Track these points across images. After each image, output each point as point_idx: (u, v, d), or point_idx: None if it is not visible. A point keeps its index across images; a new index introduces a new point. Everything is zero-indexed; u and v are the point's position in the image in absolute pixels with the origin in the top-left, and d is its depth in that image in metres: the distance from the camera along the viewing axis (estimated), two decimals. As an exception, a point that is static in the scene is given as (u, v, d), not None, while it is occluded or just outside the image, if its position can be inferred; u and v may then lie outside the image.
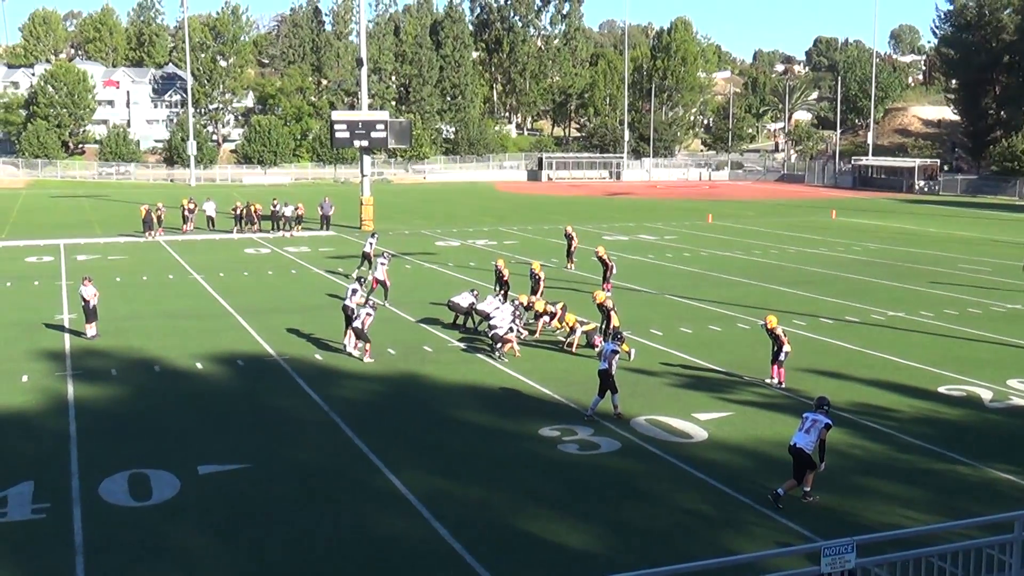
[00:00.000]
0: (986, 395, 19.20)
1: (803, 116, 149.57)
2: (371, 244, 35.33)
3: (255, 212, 50.75)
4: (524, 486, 14.39)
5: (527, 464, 15.33)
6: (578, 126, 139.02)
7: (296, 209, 50.07)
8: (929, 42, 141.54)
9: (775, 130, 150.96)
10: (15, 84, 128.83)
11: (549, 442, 16.32)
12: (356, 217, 52.94)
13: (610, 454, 15.81)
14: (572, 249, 37.40)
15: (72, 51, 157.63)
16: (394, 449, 15.97)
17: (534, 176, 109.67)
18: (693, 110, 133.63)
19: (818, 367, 21.31)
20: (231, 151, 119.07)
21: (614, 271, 31.99)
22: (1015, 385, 19.89)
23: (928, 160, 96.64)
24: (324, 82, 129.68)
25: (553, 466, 15.27)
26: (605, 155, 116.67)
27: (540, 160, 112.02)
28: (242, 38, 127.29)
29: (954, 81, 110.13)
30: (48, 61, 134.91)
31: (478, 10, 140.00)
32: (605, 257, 32.05)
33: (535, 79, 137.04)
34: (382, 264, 29.79)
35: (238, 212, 50.74)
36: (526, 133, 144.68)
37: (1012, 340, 24.15)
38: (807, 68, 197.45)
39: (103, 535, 12.60)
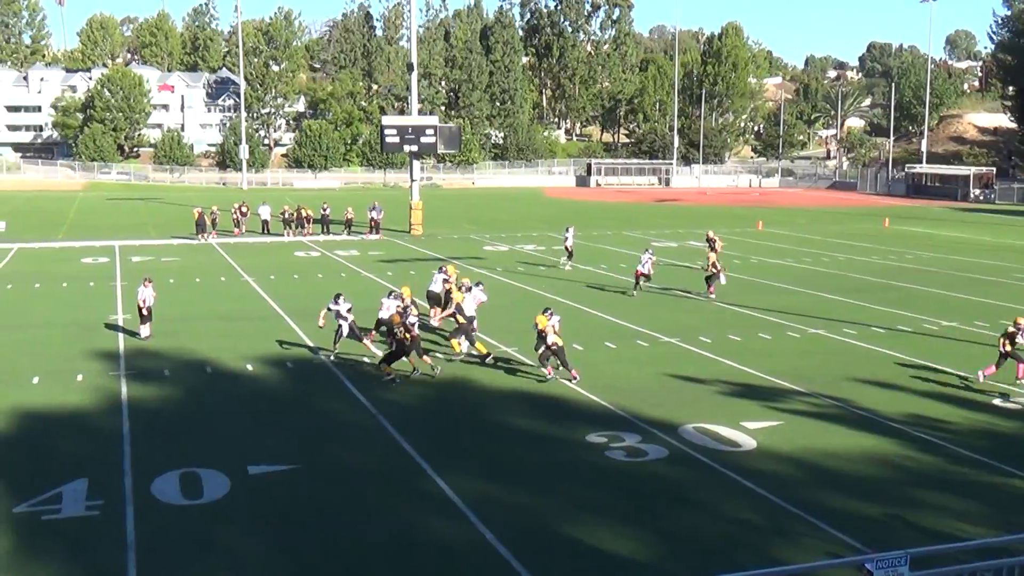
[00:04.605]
0: (1043, 408, 18.83)
1: (855, 123, 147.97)
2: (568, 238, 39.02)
3: (306, 216, 51.26)
4: (571, 492, 14.36)
5: (574, 470, 15.30)
6: (627, 132, 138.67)
7: (346, 213, 50.51)
8: (986, 48, 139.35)
9: (827, 137, 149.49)
10: (73, 88, 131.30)
11: (596, 448, 16.27)
12: (405, 222, 53.25)
13: (657, 461, 15.73)
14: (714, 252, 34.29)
15: (128, 55, 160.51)
16: (441, 453, 16.02)
17: (583, 182, 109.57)
18: (743, 116, 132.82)
19: (869, 377, 21.03)
20: (282, 155, 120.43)
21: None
22: (1073, 398, 19.48)
23: (984, 168, 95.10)
24: (375, 87, 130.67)
25: (600, 473, 15.22)
26: (654, 161, 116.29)
27: (589, 166, 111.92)
28: (294, 43, 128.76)
29: (1011, 88, 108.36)
30: (105, 65, 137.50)
31: (528, 15, 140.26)
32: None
33: (584, 84, 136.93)
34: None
35: (287, 216, 51.26)
36: (575, 139, 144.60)
37: (1070, 352, 23.63)
38: (860, 74, 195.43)
39: (154, 532, 12.78)
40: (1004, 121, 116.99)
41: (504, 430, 17.45)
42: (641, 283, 32.06)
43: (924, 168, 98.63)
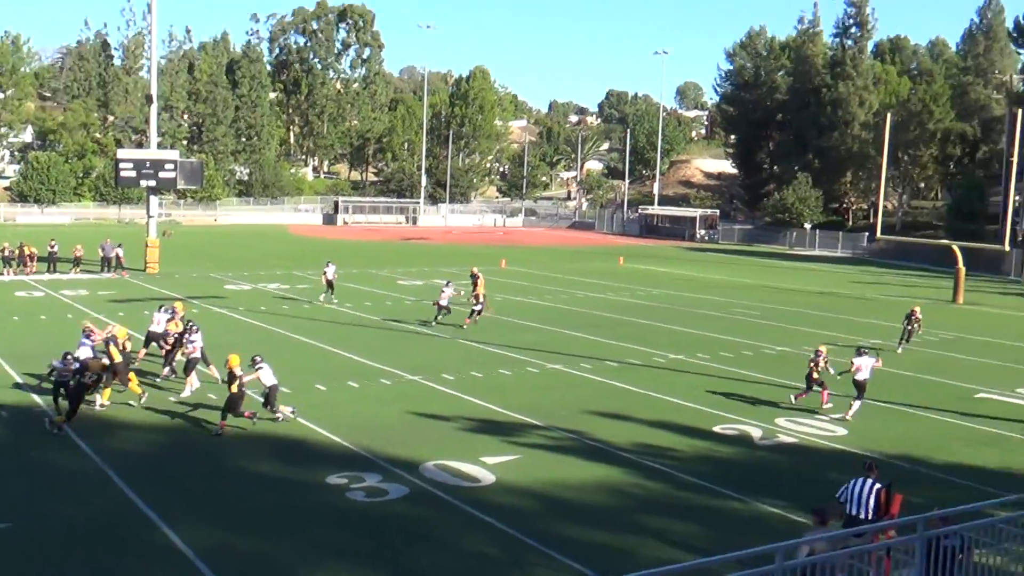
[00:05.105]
0: (756, 433, 20.27)
1: (595, 165, 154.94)
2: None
3: (29, 254, 47.94)
4: (310, 536, 14.08)
5: (313, 513, 15.02)
6: (376, 171, 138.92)
7: (75, 251, 47.58)
8: (711, 99, 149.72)
9: (568, 179, 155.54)
10: None
11: (337, 490, 16.05)
12: (141, 259, 50.83)
13: (398, 500, 15.70)
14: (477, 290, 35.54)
15: None
16: (172, 502, 15.30)
17: (330, 220, 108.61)
18: (489, 157, 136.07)
19: (603, 409, 21.91)
20: (4, 188, 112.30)
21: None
22: (782, 423, 21.09)
23: (709, 210, 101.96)
24: (111, 118, 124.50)
25: (341, 514, 15.03)
26: (402, 200, 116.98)
27: (336, 204, 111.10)
28: (22, 69, 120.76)
29: (733, 136, 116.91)
30: None
31: (277, 51, 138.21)
32: None
33: (333, 122, 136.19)
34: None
35: (7, 253, 47.78)
36: (323, 176, 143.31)
37: (780, 380, 25.62)
38: (599, 120, 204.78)
39: None
40: (727, 167, 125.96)
41: (240, 475, 16.91)
42: (440, 315, 33.40)
43: (656, 209, 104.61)
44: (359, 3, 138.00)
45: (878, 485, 12.73)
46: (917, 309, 32.38)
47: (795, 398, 22.58)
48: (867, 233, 76.61)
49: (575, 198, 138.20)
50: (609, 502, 15.95)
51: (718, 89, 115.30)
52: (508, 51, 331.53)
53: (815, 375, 22.16)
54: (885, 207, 77.77)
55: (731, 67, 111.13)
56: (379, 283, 46.85)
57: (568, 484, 16.65)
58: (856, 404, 21.77)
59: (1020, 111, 53.03)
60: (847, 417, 21.49)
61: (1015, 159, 55.95)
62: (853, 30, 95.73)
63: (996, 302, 47.93)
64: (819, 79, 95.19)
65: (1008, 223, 48.49)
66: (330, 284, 39.29)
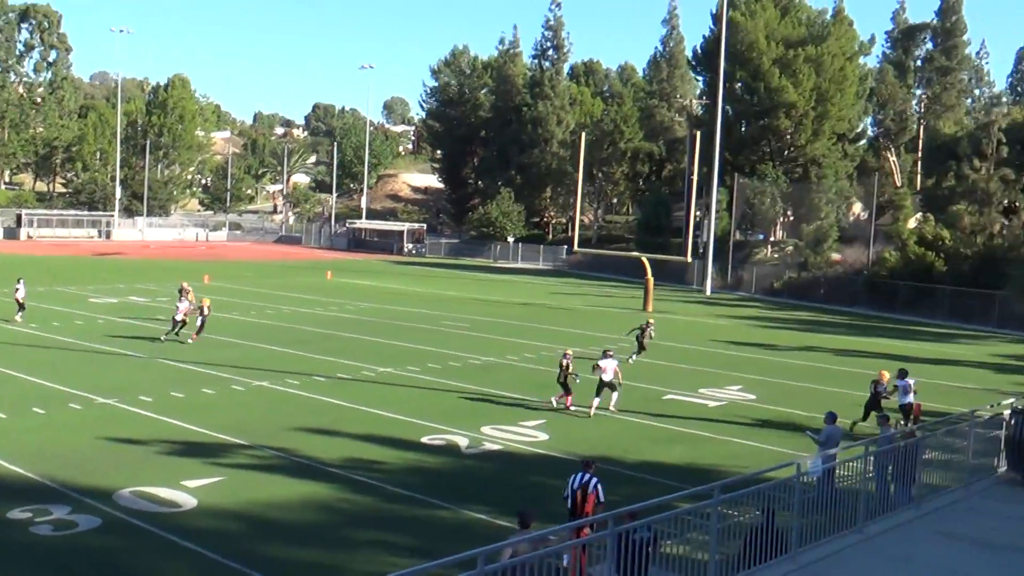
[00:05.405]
0: (463, 442, 20.69)
1: (302, 179, 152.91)
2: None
3: None
4: (-14, 577, 12.94)
5: (-9, 552, 13.80)
6: (64, 181, 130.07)
7: None
8: (418, 114, 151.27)
9: (274, 192, 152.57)
10: None
11: (19, 525, 14.84)
12: None
13: (89, 532, 14.72)
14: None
15: None
16: None
17: (11, 234, 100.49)
18: (191, 168, 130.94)
19: (310, 425, 21.61)
20: None
21: None
22: (488, 431, 21.66)
23: (416, 224, 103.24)
24: None
25: (25, 550, 13.90)
26: (94, 213, 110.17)
27: (19, 217, 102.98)
28: None
29: (439, 151, 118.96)
30: None
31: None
32: None
33: (15, 129, 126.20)
34: None
35: None
36: (4, 188, 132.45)
37: (486, 389, 26.33)
38: (306, 132, 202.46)
39: None
40: (434, 181, 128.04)
41: (-95, 516, 15.26)
42: (178, 330, 32.65)
43: (364, 223, 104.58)
44: (43, 3, 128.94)
45: (594, 480, 13.38)
46: (652, 320, 34.84)
47: (556, 400, 24.20)
48: (566, 246, 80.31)
49: (282, 212, 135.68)
50: (317, 519, 15.74)
51: (424, 105, 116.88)
52: (210, 60, 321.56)
53: (568, 377, 23.91)
54: (582, 221, 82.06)
55: (436, 84, 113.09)
56: (68, 301, 43.85)
57: (275, 503, 16.28)
58: (614, 395, 23.94)
59: (699, 133, 57.70)
60: (610, 408, 23.70)
61: (695, 177, 60.75)
62: (550, 52, 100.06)
63: (681, 309, 51.61)
64: (520, 98, 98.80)
65: (690, 236, 52.48)
66: (21, 304, 36.50)
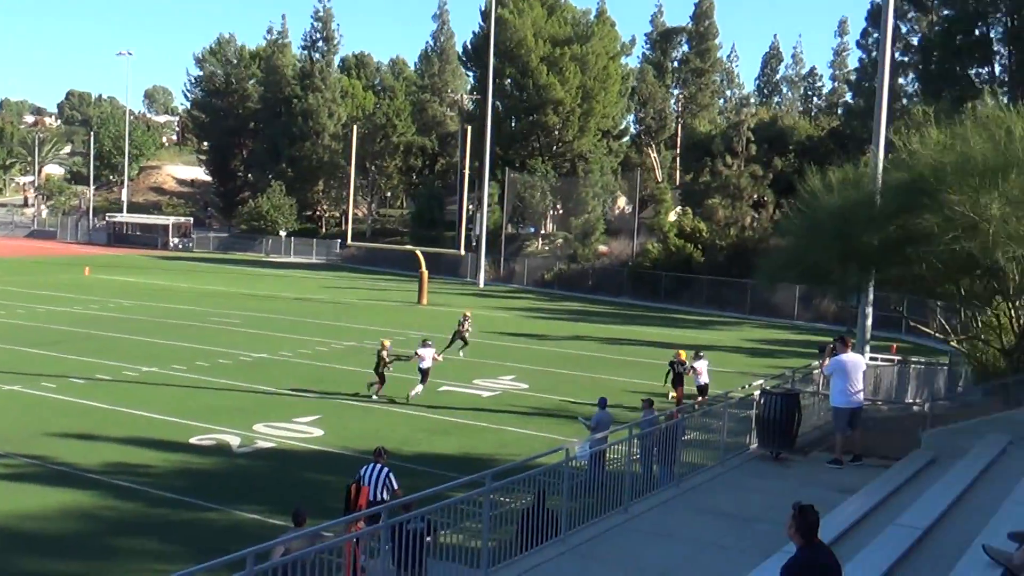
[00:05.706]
0: (234, 441, 20.13)
1: (55, 170, 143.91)
2: None
3: None
4: None
5: None
6: None
7: None
8: (182, 104, 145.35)
9: (24, 184, 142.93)
10: None
11: None
12: None
13: None
14: None
15: None
16: None
17: None
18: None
19: (68, 430, 20.43)
20: None
21: None
22: (260, 429, 21.16)
23: (182, 218, 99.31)
24: None
25: None
26: None
27: None
28: None
29: (205, 143, 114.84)
30: None
31: None
32: None
33: None
34: None
35: None
36: None
37: (258, 386, 25.72)
38: (60, 121, 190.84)
39: None
40: (201, 174, 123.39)
41: None
42: None
43: (125, 217, 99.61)
44: None
45: (386, 469, 13.48)
46: (468, 312, 35.03)
47: (376, 393, 24.67)
48: (339, 240, 79.40)
49: (33, 205, 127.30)
50: (78, 528, 14.93)
51: (188, 95, 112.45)
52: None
53: (384, 367, 24.58)
54: (355, 215, 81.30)
55: (201, 73, 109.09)
56: None
57: (29, 514, 15.31)
58: (419, 387, 24.73)
59: (470, 128, 58.45)
60: (409, 396, 24.42)
61: (467, 171, 61.49)
62: (320, 44, 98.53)
63: (455, 302, 52.07)
64: (290, 90, 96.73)
65: (463, 230, 53.11)
66: None
